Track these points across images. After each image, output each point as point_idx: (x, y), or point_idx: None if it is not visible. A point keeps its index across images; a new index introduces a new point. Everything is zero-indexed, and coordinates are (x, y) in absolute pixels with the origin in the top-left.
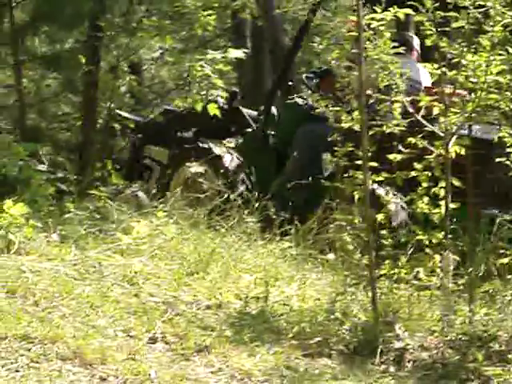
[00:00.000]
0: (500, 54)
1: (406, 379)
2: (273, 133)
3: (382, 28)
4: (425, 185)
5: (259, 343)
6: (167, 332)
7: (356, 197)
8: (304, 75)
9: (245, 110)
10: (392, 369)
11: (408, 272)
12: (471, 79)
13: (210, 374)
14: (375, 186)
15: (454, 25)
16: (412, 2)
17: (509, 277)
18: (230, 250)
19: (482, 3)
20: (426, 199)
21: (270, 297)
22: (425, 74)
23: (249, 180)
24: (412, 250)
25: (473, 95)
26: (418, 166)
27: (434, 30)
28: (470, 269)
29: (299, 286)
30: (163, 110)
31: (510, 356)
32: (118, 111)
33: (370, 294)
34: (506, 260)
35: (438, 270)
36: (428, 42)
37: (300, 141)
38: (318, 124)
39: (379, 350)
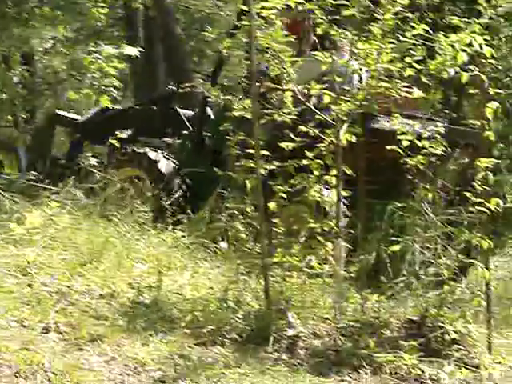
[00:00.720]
0: (391, 42)
1: (299, 366)
2: (208, 134)
3: (273, 17)
4: (316, 173)
5: (152, 332)
6: (60, 322)
7: (248, 186)
8: None
9: (181, 111)
10: (285, 356)
11: (300, 260)
12: (362, 67)
13: (103, 363)
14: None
15: (345, 13)
16: None
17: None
18: (123, 240)
19: None
20: (317, 187)
21: (163, 286)
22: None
23: (184, 184)
24: (304, 238)
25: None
26: (309, 154)
27: (324, 18)
28: (362, 256)
29: (192, 275)
30: (101, 108)
31: (401, 342)
32: (56, 110)
33: (262, 282)
34: (396, 247)
35: (330, 258)
36: (319, 30)
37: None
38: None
39: (272, 338)
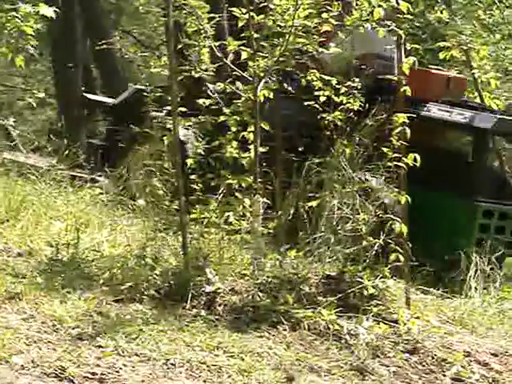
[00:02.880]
0: None
1: (218, 323)
2: None
3: None
4: (234, 129)
5: (70, 290)
6: None
7: (165, 142)
8: None
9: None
10: (203, 313)
11: (218, 216)
12: (279, 23)
13: (21, 320)
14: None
15: None
16: None
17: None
18: (41, 198)
19: None
20: (234, 144)
21: (81, 243)
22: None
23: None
24: (222, 194)
25: (280, 39)
26: (226, 110)
27: None
28: (280, 212)
29: (110, 232)
30: (134, 89)
31: (319, 298)
32: (85, 94)
33: (180, 239)
34: (314, 203)
35: (248, 214)
36: None
37: None
38: None
39: (190, 295)
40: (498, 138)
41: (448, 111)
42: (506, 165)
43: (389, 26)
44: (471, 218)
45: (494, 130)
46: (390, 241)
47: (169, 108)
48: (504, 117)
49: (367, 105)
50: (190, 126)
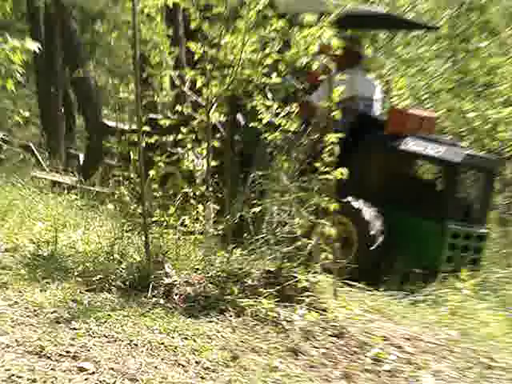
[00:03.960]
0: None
1: (174, 310)
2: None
3: (153, 13)
4: (189, 146)
5: (50, 280)
6: None
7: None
8: None
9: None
10: (162, 301)
11: (176, 219)
12: (229, 57)
13: (7, 306)
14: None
15: (215, 10)
16: None
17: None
18: (26, 202)
19: None
20: (190, 158)
21: (59, 241)
22: (376, 87)
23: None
24: (179, 200)
25: (230, 70)
26: (183, 129)
27: (197, 14)
28: (228, 217)
29: (84, 232)
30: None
31: (260, 289)
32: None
33: (143, 238)
34: (257, 209)
35: (201, 218)
36: (192, 26)
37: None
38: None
39: (151, 286)
40: (466, 170)
41: (423, 145)
42: (472, 193)
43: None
44: (442, 239)
45: (463, 164)
46: (320, 242)
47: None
48: (471, 152)
49: (351, 137)
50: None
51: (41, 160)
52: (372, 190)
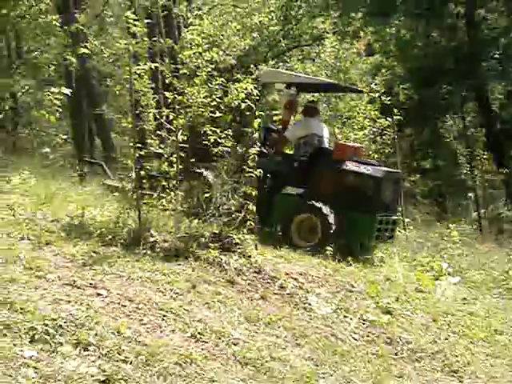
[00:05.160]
0: (209, 85)
1: (156, 257)
2: None
3: (142, 73)
4: (166, 156)
5: (80, 239)
6: (30, 234)
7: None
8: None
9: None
10: (149, 252)
11: (157, 202)
12: (190, 100)
13: (52, 256)
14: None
15: (181, 72)
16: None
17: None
18: (64, 191)
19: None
20: (166, 163)
21: (85, 216)
22: (325, 129)
23: None
24: (160, 190)
25: (189, 109)
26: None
27: (170, 74)
28: (189, 199)
29: (100, 209)
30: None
31: (210, 244)
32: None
33: (137, 213)
34: (207, 195)
35: (173, 201)
36: (167, 81)
37: None
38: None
39: (142, 242)
40: (385, 181)
41: (358, 166)
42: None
43: (246, 102)
44: (372, 225)
45: (384, 177)
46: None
47: None
48: (387, 169)
49: (312, 163)
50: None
51: (108, 172)
52: (326, 196)
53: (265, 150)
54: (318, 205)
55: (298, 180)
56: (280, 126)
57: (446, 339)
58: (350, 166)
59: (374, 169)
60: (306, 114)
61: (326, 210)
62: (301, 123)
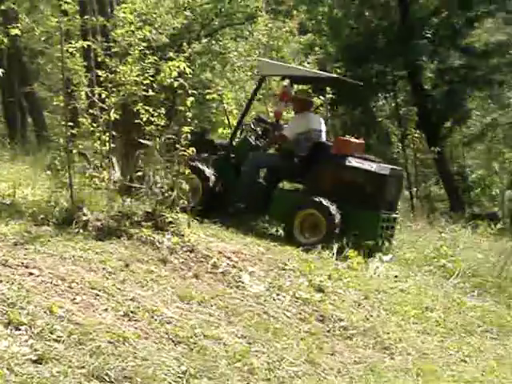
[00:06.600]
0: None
1: (88, 236)
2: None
3: (74, 51)
4: (98, 134)
5: (11, 219)
6: None
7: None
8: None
9: (217, 141)
10: (81, 231)
11: (90, 181)
12: (122, 78)
13: None
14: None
15: (113, 50)
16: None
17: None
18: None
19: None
20: (98, 143)
21: (17, 194)
22: (322, 122)
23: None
24: (93, 169)
25: (121, 87)
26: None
27: (102, 52)
28: (122, 179)
29: (32, 188)
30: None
31: (143, 223)
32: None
33: (69, 192)
34: (140, 173)
35: (106, 180)
36: (99, 59)
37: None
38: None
39: (74, 221)
40: (390, 179)
41: (361, 162)
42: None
43: (179, 81)
44: (377, 221)
45: (389, 175)
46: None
47: None
48: (391, 166)
49: (312, 158)
50: None
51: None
52: (327, 192)
53: (258, 143)
54: (325, 202)
55: (298, 175)
56: (273, 120)
57: (378, 316)
58: (354, 162)
59: (379, 166)
60: (303, 108)
61: (332, 208)
62: (298, 119)
